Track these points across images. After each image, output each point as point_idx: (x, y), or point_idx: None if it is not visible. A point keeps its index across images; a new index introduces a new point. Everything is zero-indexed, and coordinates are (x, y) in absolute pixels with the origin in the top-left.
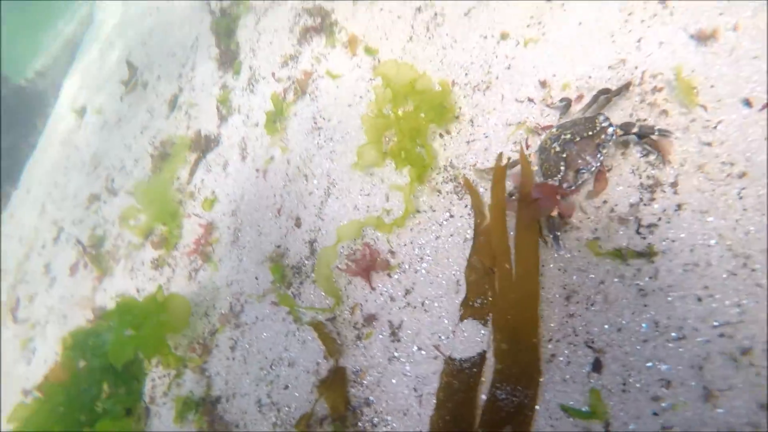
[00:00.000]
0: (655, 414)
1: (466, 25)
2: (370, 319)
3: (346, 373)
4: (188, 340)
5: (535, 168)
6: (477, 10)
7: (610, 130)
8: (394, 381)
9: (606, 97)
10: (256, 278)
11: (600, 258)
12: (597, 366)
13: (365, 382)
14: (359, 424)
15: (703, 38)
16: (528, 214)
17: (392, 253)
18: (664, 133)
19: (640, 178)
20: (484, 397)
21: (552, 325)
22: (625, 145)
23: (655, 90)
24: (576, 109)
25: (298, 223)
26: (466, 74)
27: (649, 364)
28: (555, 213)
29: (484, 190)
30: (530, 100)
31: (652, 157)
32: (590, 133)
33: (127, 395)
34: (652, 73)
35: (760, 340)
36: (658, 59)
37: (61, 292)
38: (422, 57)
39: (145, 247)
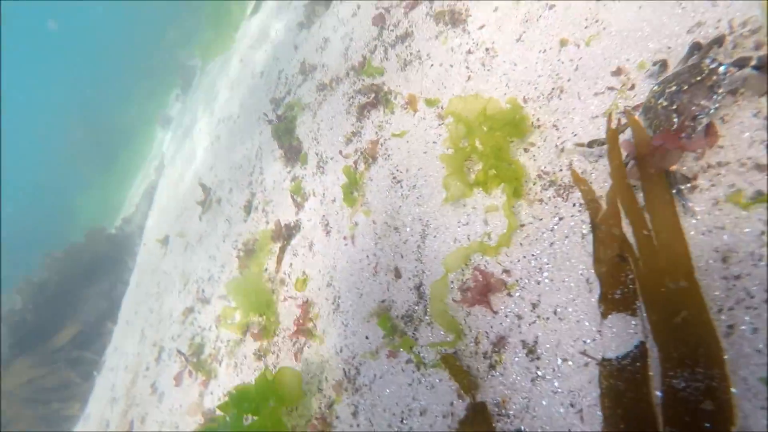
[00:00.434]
0: None
1: (521, 48)
2: (499, 343)
3: (487, 407)
4: (305, 420)
5: None
6: (528, 33)
7: (722, 68)
8: (544, 402)
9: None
10: (366, 337)
11: (750, 209)
12: None
13: (511, 412)
14: None
15: None
16: (654, 166)
17: (507, 272)
18: None
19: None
20: (659, 394)
21: (717, 293)
22: (736, 91)
23: (753, 32)
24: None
25: (397, 274)
26: (536, 88)
27: None
28: (674, 167)
29: (593, 169)
30: (610, 88)
31: None
32: (698, 78)
33: None
34: (742, 21)
35: None
36: (741, 7)
37: (170, 404)
38: (485, 89)
39: (246, 341)
